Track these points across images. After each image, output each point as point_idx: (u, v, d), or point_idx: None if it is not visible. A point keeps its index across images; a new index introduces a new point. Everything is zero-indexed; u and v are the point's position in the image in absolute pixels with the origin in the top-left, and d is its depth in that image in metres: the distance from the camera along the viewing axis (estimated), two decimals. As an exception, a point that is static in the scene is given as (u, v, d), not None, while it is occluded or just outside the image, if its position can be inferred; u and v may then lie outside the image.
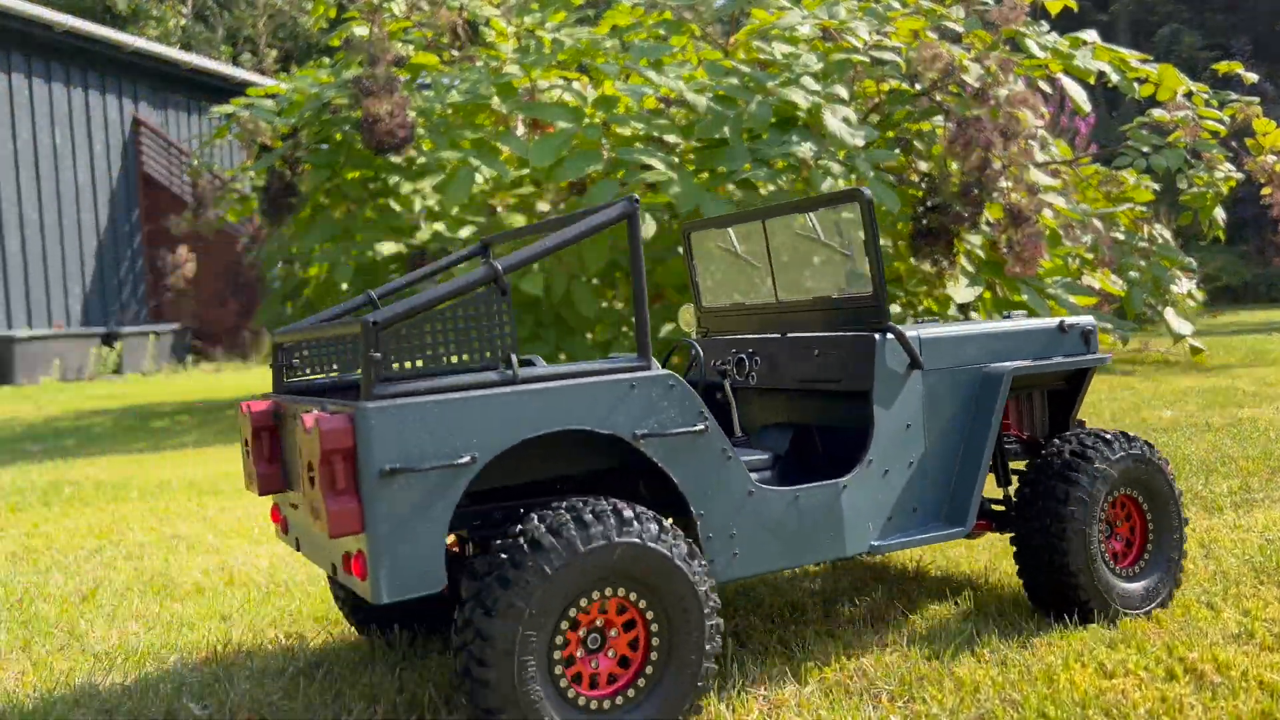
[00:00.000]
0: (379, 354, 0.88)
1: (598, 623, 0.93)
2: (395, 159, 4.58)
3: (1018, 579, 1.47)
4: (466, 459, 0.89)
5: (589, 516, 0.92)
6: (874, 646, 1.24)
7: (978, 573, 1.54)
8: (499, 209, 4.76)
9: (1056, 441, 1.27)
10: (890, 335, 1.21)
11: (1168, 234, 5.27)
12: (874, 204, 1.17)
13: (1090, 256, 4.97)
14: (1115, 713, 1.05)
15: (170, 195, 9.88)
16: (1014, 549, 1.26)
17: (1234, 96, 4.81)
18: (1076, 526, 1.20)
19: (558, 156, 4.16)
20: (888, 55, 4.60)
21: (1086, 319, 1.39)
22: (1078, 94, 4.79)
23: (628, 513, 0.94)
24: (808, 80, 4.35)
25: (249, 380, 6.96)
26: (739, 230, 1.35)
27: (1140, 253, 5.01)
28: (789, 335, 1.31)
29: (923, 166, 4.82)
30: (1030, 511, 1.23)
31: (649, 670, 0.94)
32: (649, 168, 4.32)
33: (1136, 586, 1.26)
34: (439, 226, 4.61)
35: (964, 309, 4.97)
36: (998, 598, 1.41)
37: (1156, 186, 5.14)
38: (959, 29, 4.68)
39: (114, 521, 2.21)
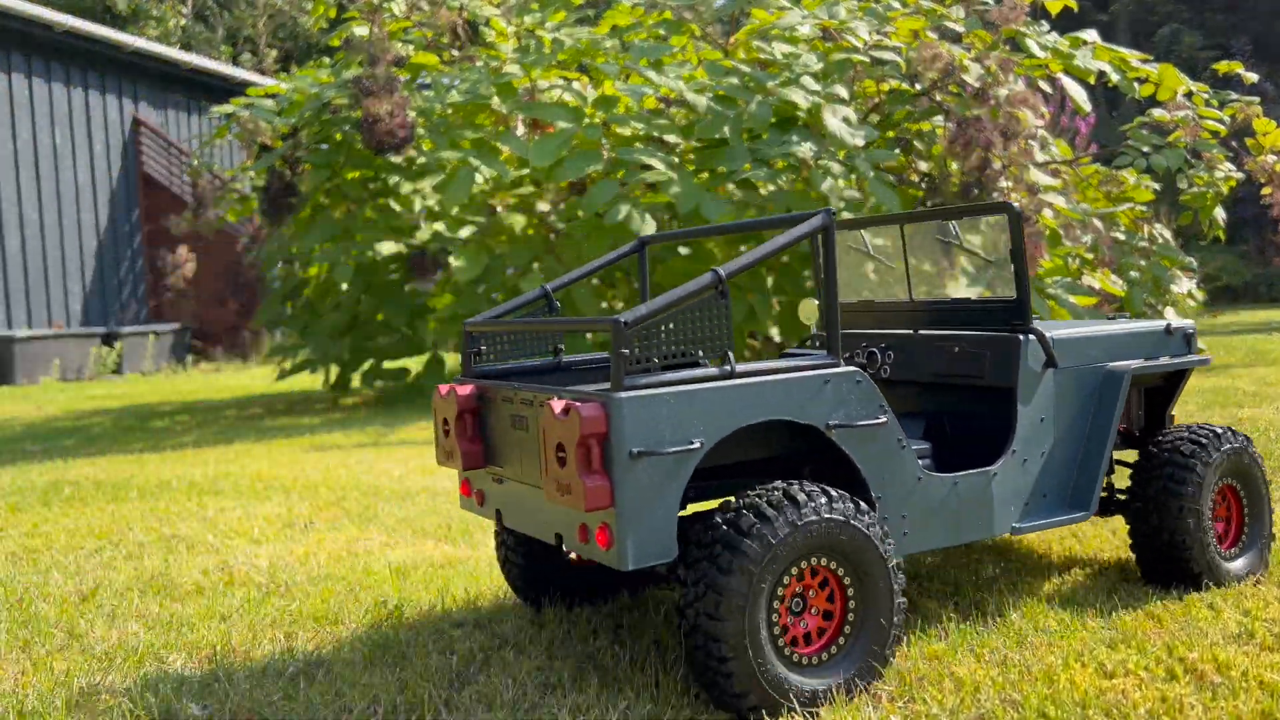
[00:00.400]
0: (627, 350, 1.00)
1: (802, 588, 1.06)
2: (395, 159, 4.58)
3: (1018, 578, 1.48)
4: (696, 444, 1.01)
5: (801, 495, 1.05)
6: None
7: (976, 573, 1.54)
8: (499, 209, 4.76)
9: (1172, 434, 1.41)
10: (1033, 336, 1.32)
11: (1168, 234, 5.28)
12: (1019, 214, 1.29)
13: (1090, 256, 4.97)
14: (1115, 713, 1.05)
15: (170, 195, 9.89)
16: (1129, 527, 1.41)
17: (1234, 96, 4.81)
18: (1192, 508, 1.35)
19: (558, 156, 4.16)
20: (888, 55, 4.60)
21: (1188, 323, 1.52)
22: (1078, 94, 4.79)
23: (832, 493, 1.07)
24: (808, 80, 4.35)
25: (249, 380, 6.96)
26: (873, 232, 1.49)
27: (1140, 252, 5.01)
28: (922, 332, 1.43)
29: (923, 166, 4.82)
30: (1149, 495, 1.37)
31: (847, 630, 1.08)
32: (649, 168, 4.32)
33: (1236, 564, 1.42)
34: (439, 226, 4.61)
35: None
36: (996, 597, 1.41)
37: (1157, 186, 5.14)
38: (959, 29, 4.68)
39: (114, 521, 2.21)
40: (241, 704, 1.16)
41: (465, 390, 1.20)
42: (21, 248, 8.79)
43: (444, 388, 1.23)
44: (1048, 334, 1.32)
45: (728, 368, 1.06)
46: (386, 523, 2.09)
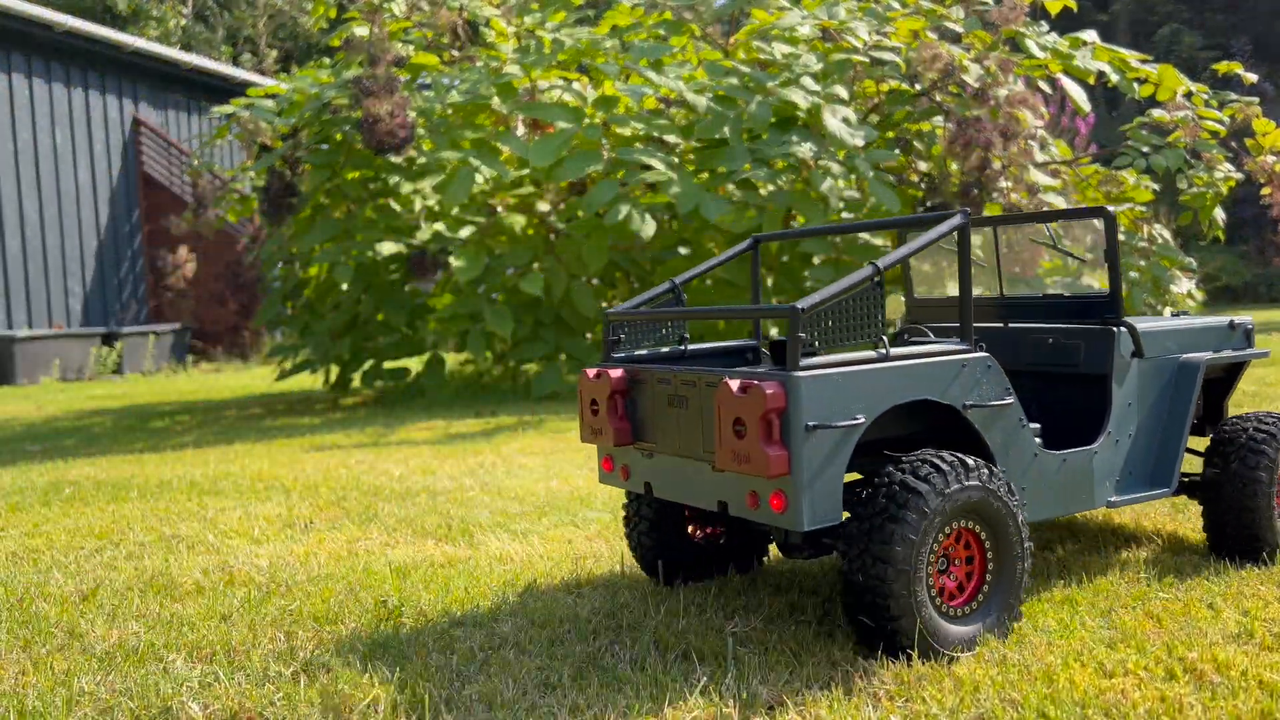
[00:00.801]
0: (803, 334, 1.11)
1: (950, 547, 1.18)
2: (395, 159, 4.58)
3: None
4: (860, 419, 1.14)
5: (946, 466, 1.17)
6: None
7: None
8: (499, 209, 4.76)
9: (1241, 421, 1.56)
10: (1124, 329, 1.47)
11: (1167, 234, 5.29)
12: (1115, 218, 1.45)
13: (1089, 256, 4.96)
14: (1115, 712, 1.05)
15: (170, 195, 9.89)
16: (1203, 507, 1.53)
17: (1233, 97, 4.81)
18: (1264, 488, 1.49)
19: (558, 157, 4.17)
20: (887, 55, 4.61)
21: (1247, 319, 1.68)
22: (1077, 94, 4.79)
23: (971, 463, 1.18)
24: (807, 80, 4.35)
25: (249, 380, 6.96)
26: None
27: (1140, 253, 5.02)
28: (1011, 325, 1.57)
29: (922, 167, 4.83)
30: (1223, 477, 1.51)
31: (986, 585, 1.20)
32: (649, 168, 4.32)
33: None
34: (439, 226, 4.61)
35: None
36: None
37: (1156, 187, 5.15)
38: (959, 29, 4.68)
39: (114, 521, 2.21)
40: (242, 703, 1.16)
41: (617, 373, 1.31)
42: (22, 248, 8.79)
43: (592, 371, 1.34)
44: (1137, 328, 1.49)
45: (883, 351, 1.18)
46: (387, 522, 2.09)
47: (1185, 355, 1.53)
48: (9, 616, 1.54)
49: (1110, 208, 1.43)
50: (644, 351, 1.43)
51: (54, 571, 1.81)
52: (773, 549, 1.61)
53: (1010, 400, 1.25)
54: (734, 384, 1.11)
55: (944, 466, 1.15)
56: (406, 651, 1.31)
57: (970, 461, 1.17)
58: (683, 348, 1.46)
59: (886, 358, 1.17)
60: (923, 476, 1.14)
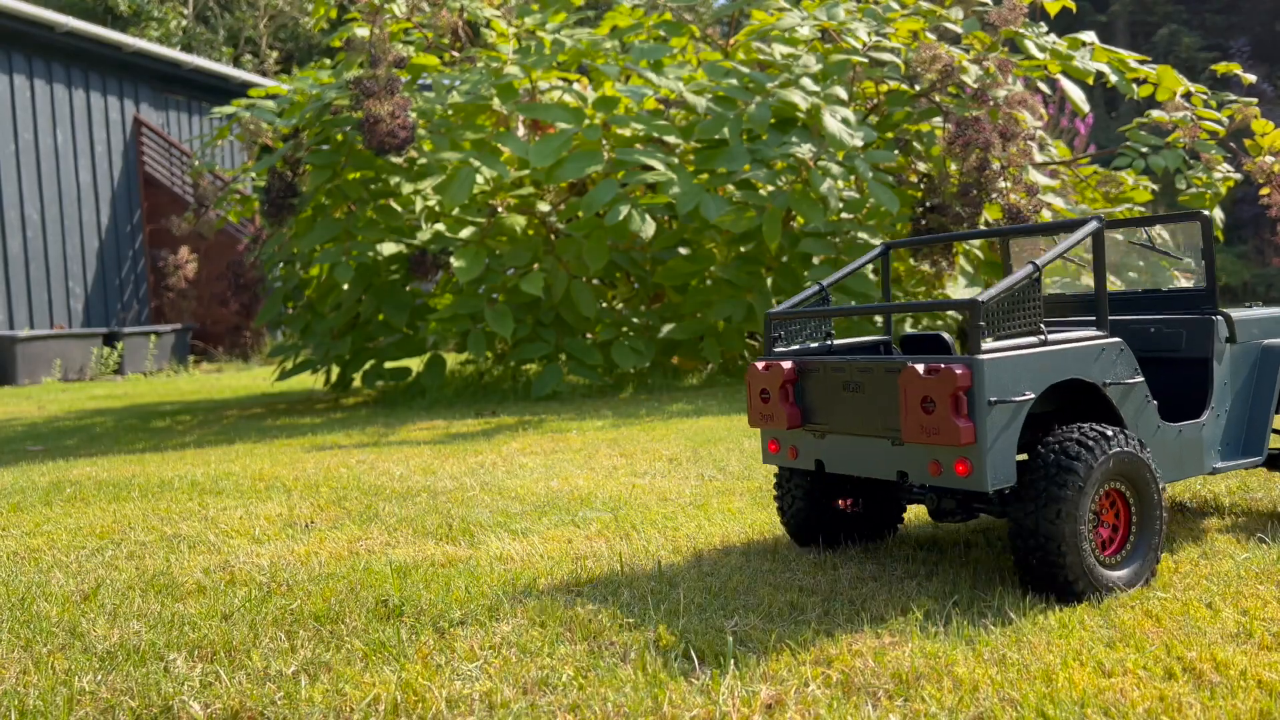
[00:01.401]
0: (983, 323, 1.30)
1: (1101, 506, 1.38)
2: (396, 159, 4.59)
3: (1014, 577, 1.48)
4: (1029, 395, 1.32)
5: (1102, 436, 1.36)
6: (872, 645, 1.24)
7: (974, 570, 1.55)
8: (500, 209, 4.77)
9: None
10: (1222, 317, 1.68)
11: (1165, 234, 5.27)
12: (1211, 222, 1.65)
13: (1088, 256, 4.97)
14: (1114, 711, 1.05)
15: (172, 196, 9.90)
16: None
17: (1232, 97, 4.82)
18: None
19: (558, 157, 4.18)
20: (887, 56, 4.62)
21: None
22: (1076, 95, 4.80)
23: (1121, 434, 1.38)
24: (807, 81, 4.37)
25: (250, 381, 6.97)
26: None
27: (1138, 253, 5.01)
28: (1113, 317, 1.78)
29: (921, 167, 4.84)
30: None
31: (1132, 538, 1.41)
32: (649, 168, 4.33)
33: None
34: (440, 227, 4.62)
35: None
36: (995, 596, 1.41)
37: (1155, 187, 5.16)
38: (958, 30, 4.69)
39: (115, 521, 2.21)
40: (243, 703, 1.16)
41: (788, 365, 1.51)
42: (23, 248, 8.80)
43: (762, 364, 1.54)
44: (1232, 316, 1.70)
45: (1042, 337, 1.37)
46: (388, 522, 2.10)
47: (1267, 340, 1.75)
48: (10, 616, 1.54)
49: (1207, 212, 1.60)
50: (797, 346, 1.65)
51: (55, 571, 1.81)
52: (913, 515, 1.84)
53: (1140, 379, 1.46)
54: (920, 368, 1.30)
55: (1101, 436, 1.36)
56: (407, 651, 1.31)
57: (1121, 432, 1.38)
58: (830, 342, 1.67)
59: (1045, 343, 1.36)
60: (1086, 444, 1.34)
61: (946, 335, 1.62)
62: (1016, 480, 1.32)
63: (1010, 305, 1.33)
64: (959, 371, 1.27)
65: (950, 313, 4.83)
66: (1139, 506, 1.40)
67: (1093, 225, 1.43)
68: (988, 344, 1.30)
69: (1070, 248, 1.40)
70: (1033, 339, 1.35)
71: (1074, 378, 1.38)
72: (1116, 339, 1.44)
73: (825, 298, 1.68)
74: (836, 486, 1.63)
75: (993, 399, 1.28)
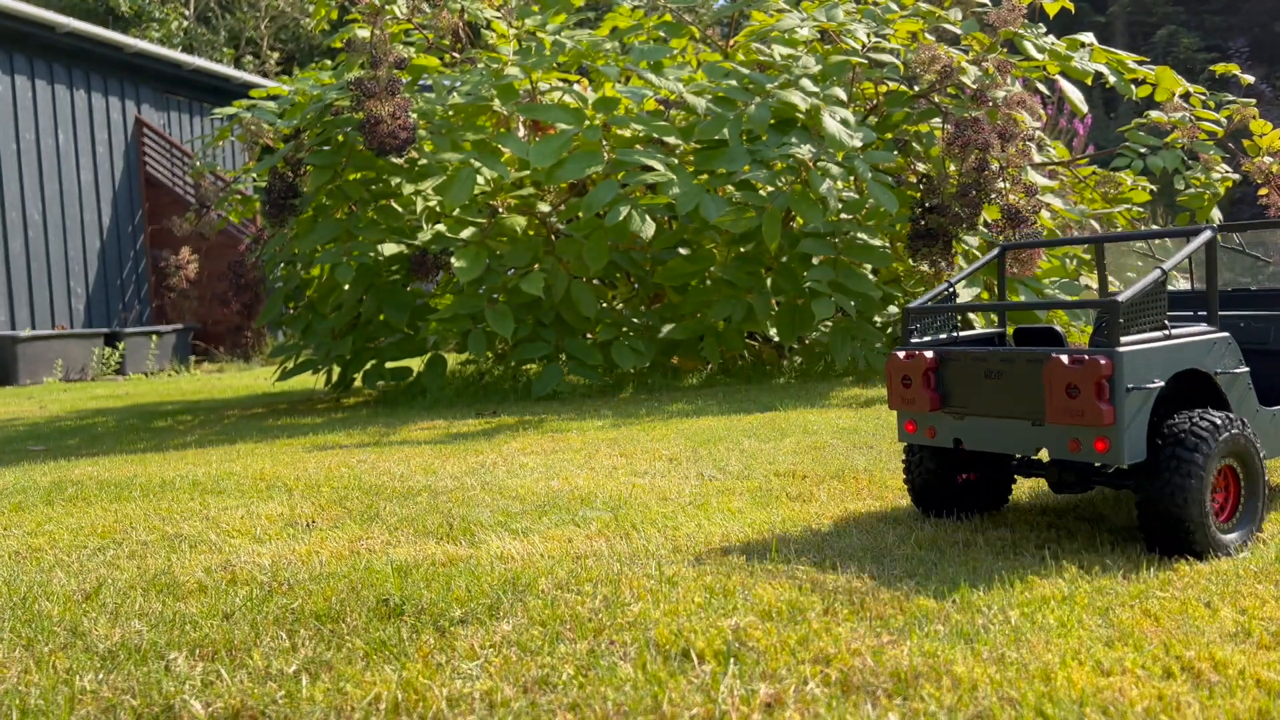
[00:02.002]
0: (1123, 320, 1.51)
1: (1217, 480, 1.59)
2: (397, 160, 4.60)
3: (1015, 575, 1.48)
4: (1158, 383, 1.53)
5: (1219, 419, 1.55)
6: (871, 644, 1.25)
7: (973, 570, 1.55)
8: (500, 210, 4.78)
9: None
10: None
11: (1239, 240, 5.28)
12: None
13: (1088, 257, 4.99)
14: (1113, 710, 1.06)
15: (173, 196, 9.91)
16: None
17: (1231, 98, 4.83)
18: None
19: (558, 158, 4.18)
20: (886, 57, 4.63)
21: None
22: (1075, 95, 4.81)
23: (1232, 417, 1.57)
24: (806, 82, 4.37)
25: (252, 381, 6.97)
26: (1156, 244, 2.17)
27: (1137, 253, 5.01)
28: (1199, 312, 1.93)
29: (921, 168, 4.84)
30: None
31: (1240, 508, 1.62)
32: (649, 169, 4.34)
33: None
34: (440, 227, 4.62)
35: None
36: (993, 595, 1.42)
37: (1154, 188, 5.17)
38: (957, 31, 4.70)
39: (117, 520, 2.22)
40: (244, 702, 1.17)
41: (930, 354, 1.71)
42: (25, 248, 8.82)
43: (903, 354, 1.74)
44: None
45: (1167, 332, 1.57)
46: (389, 521, 2.10)
47: None
48: (12, 615, 1.54)
49: None
50: (929, 338, 1.85)
51: (57, 570, 1.82)
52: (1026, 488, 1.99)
53: (1244, 369, 1.67)
54: (1065, 359, 1.50)
55: (1218, 419, 1.56)
56: (408, 650, 1.32)
57: (1232, 416, 1.58)
58: (955, 334, 1.87)
59: (1169, 337, 1.57)
60: (1209, 426, 1.54)
61: (1058, 327, 1.87)
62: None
63: (1142, 304, 1.54)
64: (1103, 362, 1.47)
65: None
66: (1246, 479, 1.61)
67: (1207, 234, 1.65)
68: (1130, 337, 1.52)
69: (1190, 253, 1.61)
70: (1159, 334, 1.56)
71: (1192, 368, 1.59)
72: (1226, 334, 1.64)
73: (953, 294, 1.90)
74: (958, 463, 1.84)
75: (1130, 386, 1.48)
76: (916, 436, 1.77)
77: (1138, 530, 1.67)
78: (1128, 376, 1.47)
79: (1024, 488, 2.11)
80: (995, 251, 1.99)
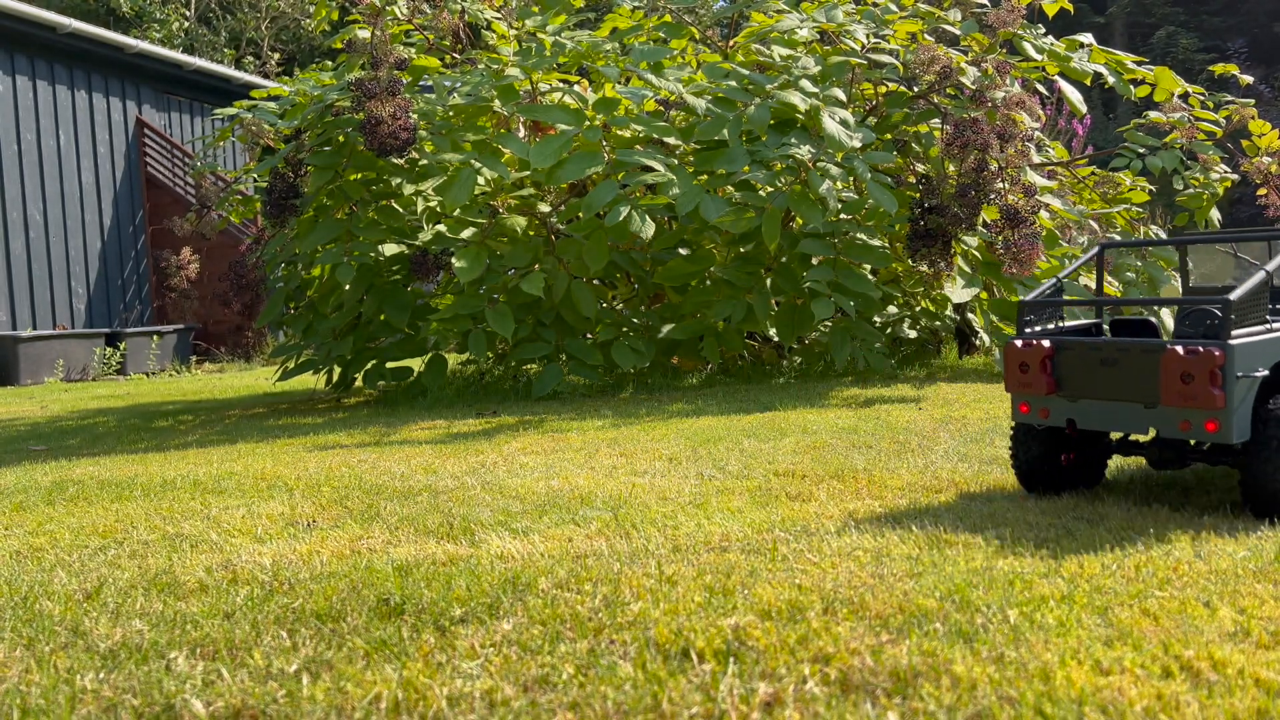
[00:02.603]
0: (1233, 315, 1.67)
1: None
2: (397, 161, 4.61)
3: (1014, 574, 1.49)
4: (1263, 371, 1.70)
5: None
6: (870, 644, 1.25)
7: (971, 569, 1.55)
8: (501, 210, 4.78)
9: None
10: None
11: (1163, 235, 5.31)
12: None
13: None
14: (1112, 710, 1.06)
15: (174, 197, 9.92)
16: None
17: (1229, 98, 4.84)
18: None
19: (559, 158, 4.19)
20: (885, 58, 4.63)
21: None
22: (1074, 96, 4.82)
23: None
24: (806, 83, 4.38)
25: (252, 381, 6.97)
26: (1241, 246, 2.32)
27: (1136, 253, 5.04)
28: (1276, 306, 2.08)
29: (920, 168, 4.85)
30: None
31: None
32: (649, 169, 4.35)
33: None
34: (441, 228, 4.63)
35: (960, 309, 5.00)
36: (992, 594, 1.42)
37: (1152, 188, 5.18)
38: (956, 32, 4.71)
39: (118, 520, 2.22)
40: (245, 701, 1.17)
41: (1047, 343, 1.88)
42: (26, 249, 8.83)
43: (1020, 342, 1.90)
44: None
45: (1268, 326, 1.76)
46: (389, 521, 2.11)
47: None
48: (13, 615, 1.55)
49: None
50: (1040, 329, 2.01)
51: (58, 570, 1.82)
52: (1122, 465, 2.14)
53: None
54: (1180, 349, 1.68)
55: None
56: (408, 649, 1.32)
57: None
58: (1060, 327, 2.03)
59: (1271, 330, 1.75)
60: None
61: (1154, 319, 2.07)
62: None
63: (1249, 302, 1.72)
64: (1216, 353, 1.65)
65: (944, 305, 4.80)
66: None
67: None
68: (1239, 330, 1.69)
69: None
70: (1261, 327, 1.75)
71: None
72: None
73: (1060, 290, 2.09)
74: (1060, 443, 2.00)
75: (1239, 374, 1.66)
76: (1030, 417, 1.94)
77: (1239, 504, 1.83)
78: (1238, 365, 1.65)
79: (1022, 489, 2.12)
80: (1094, 250, 2.16)
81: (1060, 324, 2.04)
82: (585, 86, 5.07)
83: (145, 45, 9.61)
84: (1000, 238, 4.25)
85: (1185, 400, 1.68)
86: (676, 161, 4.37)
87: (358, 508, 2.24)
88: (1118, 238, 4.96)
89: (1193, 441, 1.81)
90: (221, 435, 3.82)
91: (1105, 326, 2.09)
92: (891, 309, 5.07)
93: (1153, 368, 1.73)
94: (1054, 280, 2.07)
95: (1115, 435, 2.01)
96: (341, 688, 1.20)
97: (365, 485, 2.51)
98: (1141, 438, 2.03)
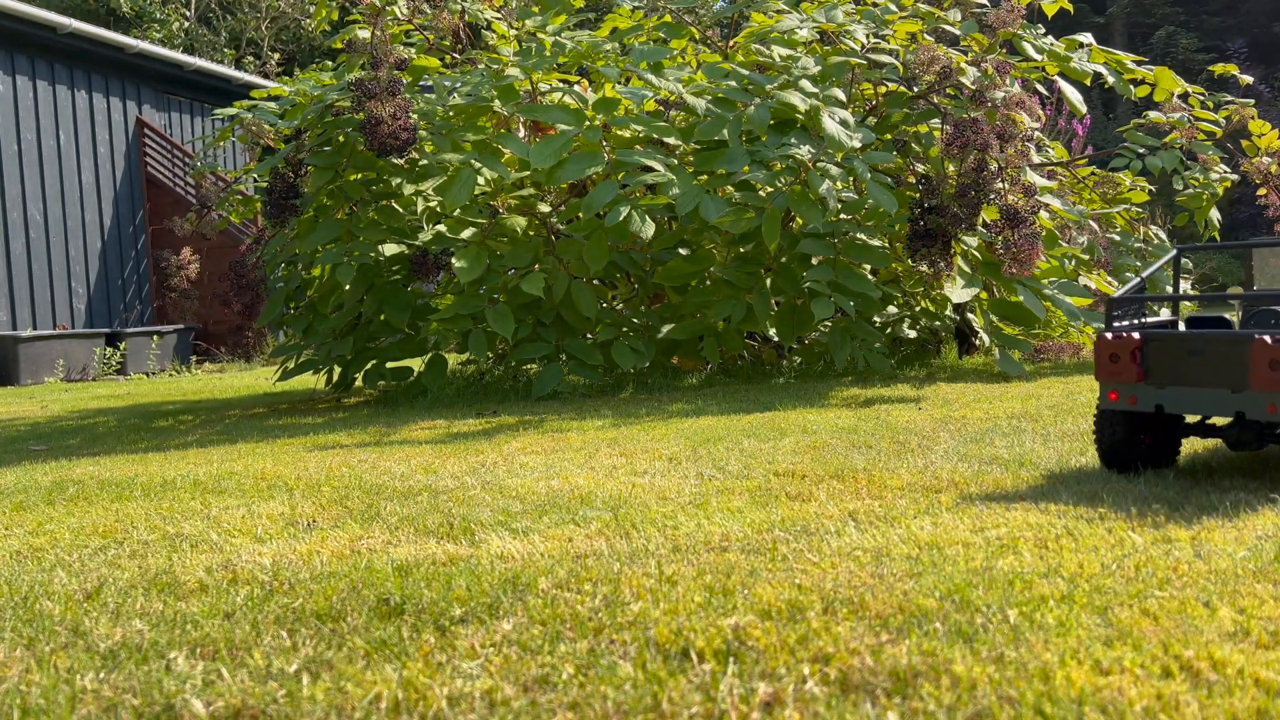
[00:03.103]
0: None
1: None
2: (397, 161, 4.61)
3: (1013, 574, 1.49)
4: None
5: None
6: (870, 643, 1.25)
7: (971, 569, 1.55)
8: (501, 210, 4.79)
9: None
10: None
11: (1163, 235, 5.32)
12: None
13: (1086, 257, 5.00)
14: (1111, 709, 1.06)
15: (174, 197, 9.92)
16: None
17: (1229, 98, 4.84)
18: None
19: (559, 158, 4.20)
20: (885, 58, 4.64)
21: None
22: (1074, 96, 4.82)
23: None
24: (806, 83, 4.38)
25: (253, 381, 6.98)
26: None
27: (1136, 254, 5.05)
28: None
29: (920, 168, 4.85)
30: None
31: None
32: (649, 169, 4.35)
33: None
34: (441, 228, 4.64)
35: (960, 309, 5.00)
36: (992, 594, 1.42)
37: (1152, 188, 5.18)
38: (956, 32, 4.71)
39: (118, 520, 2.22)
40: (245, 701, 1.17)
41: (1137, 335, 2.05)
42: (26, 249, 8.83)
43: (1110, 335, 2.07)
44: None
45: None
46: (389, 521, 2.11)
47: None
48: (13, 615, 1.55)
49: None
50: (1128, 321, 2.20)
51: (58, 570, 1.82)
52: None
53: None
54: (1268, 339, 1.83)
55: None
56: (408, 649, 1.32)
57: None
58: (1144, 319, 2.24)
59: None
60: None
61: (1229, 315, 2.22)
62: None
63: None
64: None
65: (947, 302, 4.82)
66: None
67: None
68: None
69: None
70: None
71: None
72: None
73: (1143, 288, 2.28)
74: (1140, 427, 2.18)
75: None
76: (1119, 404, 2.13)
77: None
78: None
79: (1023, 489, 2.12)
80: (1171, 253, 2.33)
81: (1143, 319, 2.23)
82: (585, 86, 5.07)
83: (145, 45, 9.62)
84: (1000, 238, 4.25)
85: (1274, 385, 1.84)
86: (676, 161, 4.37)
87: (358, 508, 2.24)
88: (1116, 237, 4.96)
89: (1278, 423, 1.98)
90: (222, 435, 3.82)
91: (1182, 323, 2.28)
92: (891, 309, 5.07)
93: (1240, 357, 1.88)
94: (1138, 280, 2.24)
95: (1192, 419, 2.22)
96: (341, 688, 1.20)
97: (365, 485, 2.51)
98: (1220, 421, 2.22)
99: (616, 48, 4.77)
